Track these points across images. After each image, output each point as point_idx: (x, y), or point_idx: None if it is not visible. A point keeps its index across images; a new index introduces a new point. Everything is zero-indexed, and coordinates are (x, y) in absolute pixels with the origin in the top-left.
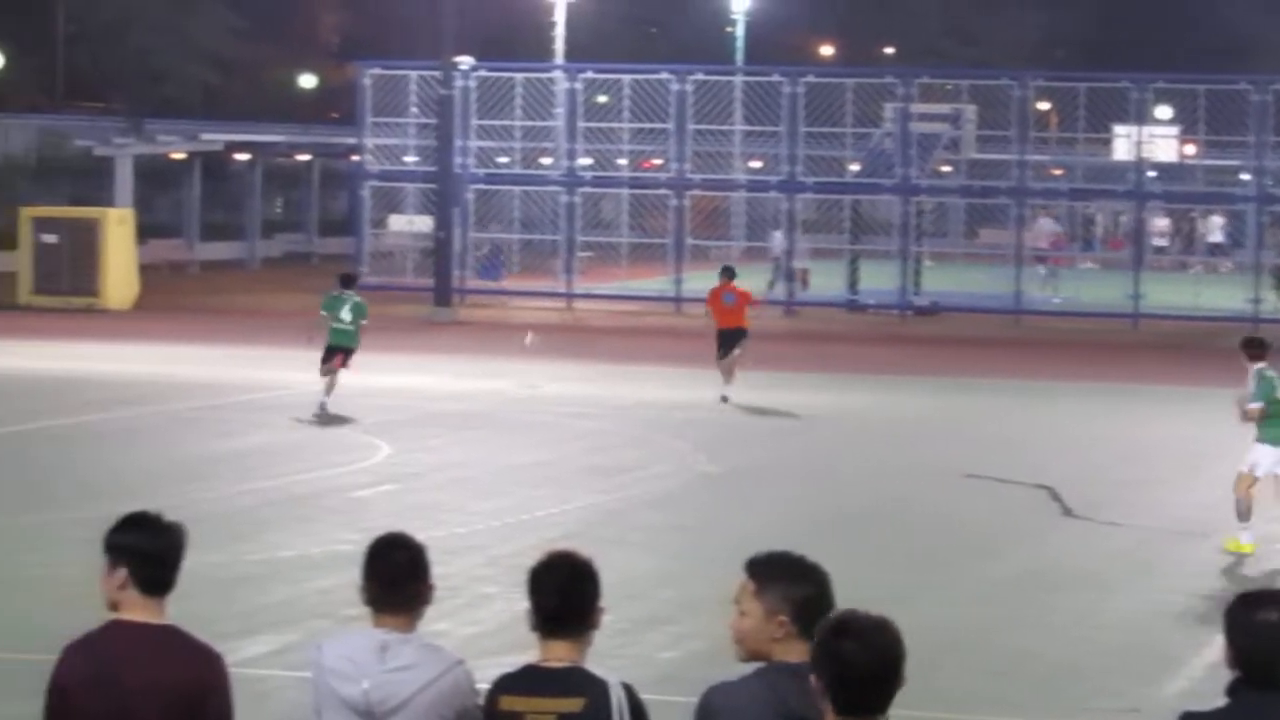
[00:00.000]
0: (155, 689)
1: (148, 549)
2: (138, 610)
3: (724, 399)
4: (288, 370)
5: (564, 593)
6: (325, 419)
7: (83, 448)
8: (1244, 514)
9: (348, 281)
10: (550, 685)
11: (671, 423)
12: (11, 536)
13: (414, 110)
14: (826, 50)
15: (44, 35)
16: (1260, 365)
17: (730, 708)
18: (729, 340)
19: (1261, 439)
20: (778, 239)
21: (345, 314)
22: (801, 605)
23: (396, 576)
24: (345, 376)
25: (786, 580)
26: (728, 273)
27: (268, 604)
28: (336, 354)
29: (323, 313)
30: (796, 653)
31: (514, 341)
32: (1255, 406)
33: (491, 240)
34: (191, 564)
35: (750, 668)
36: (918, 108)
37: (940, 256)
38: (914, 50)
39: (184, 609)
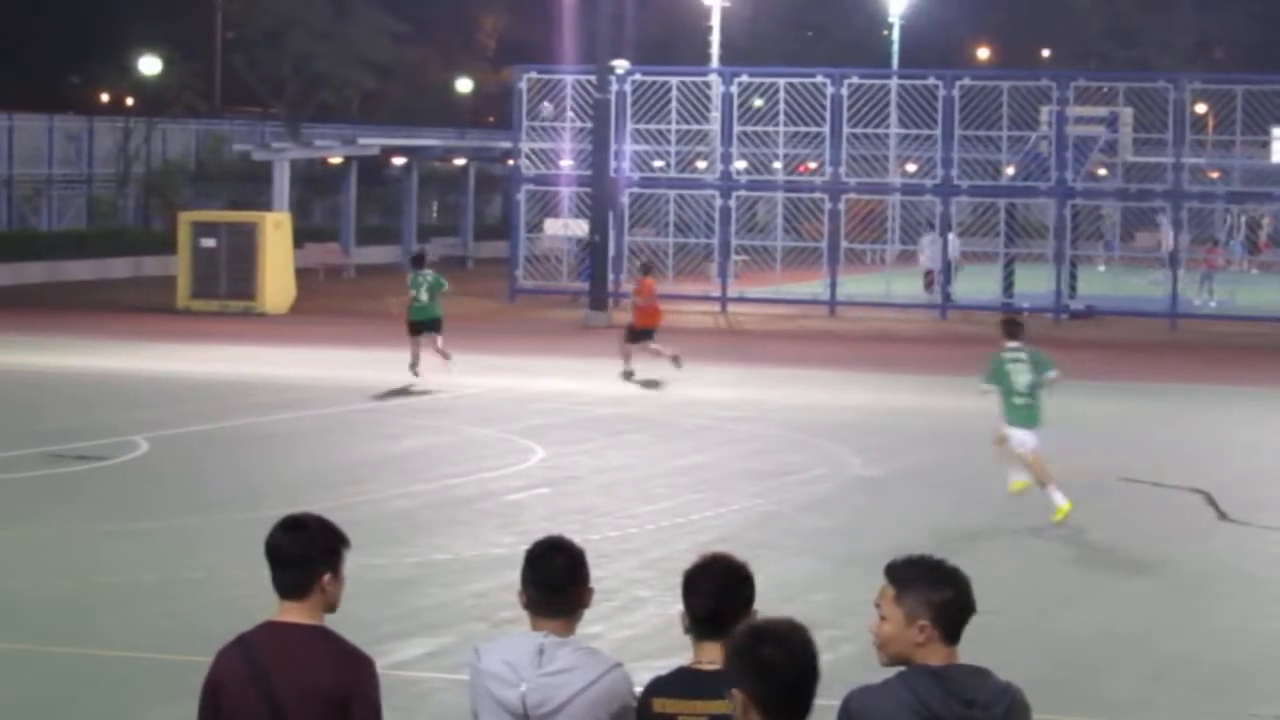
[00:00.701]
0: (304, 690)
1: (281, 553)
2: (289, 612)
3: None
4: (443, 374)
5: (718, 596)
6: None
7: (243, 451)
8: (1045, 480)
9: (418, 261)
10: (703, 687)
11: (827, 426)
12: (174, 539)
13: (570, 114)
14: (983, 53)
15: (204, 41)
16: (1014, 344)
17: (871, 710)
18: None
19: (1012, 423)
20: (943, 242)
21: (422, 294)
22: (941, 609)
23: (556, 580)
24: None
25: (925, 584)
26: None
27: (424, 607)
28: (421, 329)
29: (410, 292)
30: (939, 656)
31: (667, 346)
32: (987, 388)
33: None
34: (349, 567)
35: (894, 671)
36: (1074, 110)
37: (1096, 260)
38: (1071, 53)
39: (341, 611)
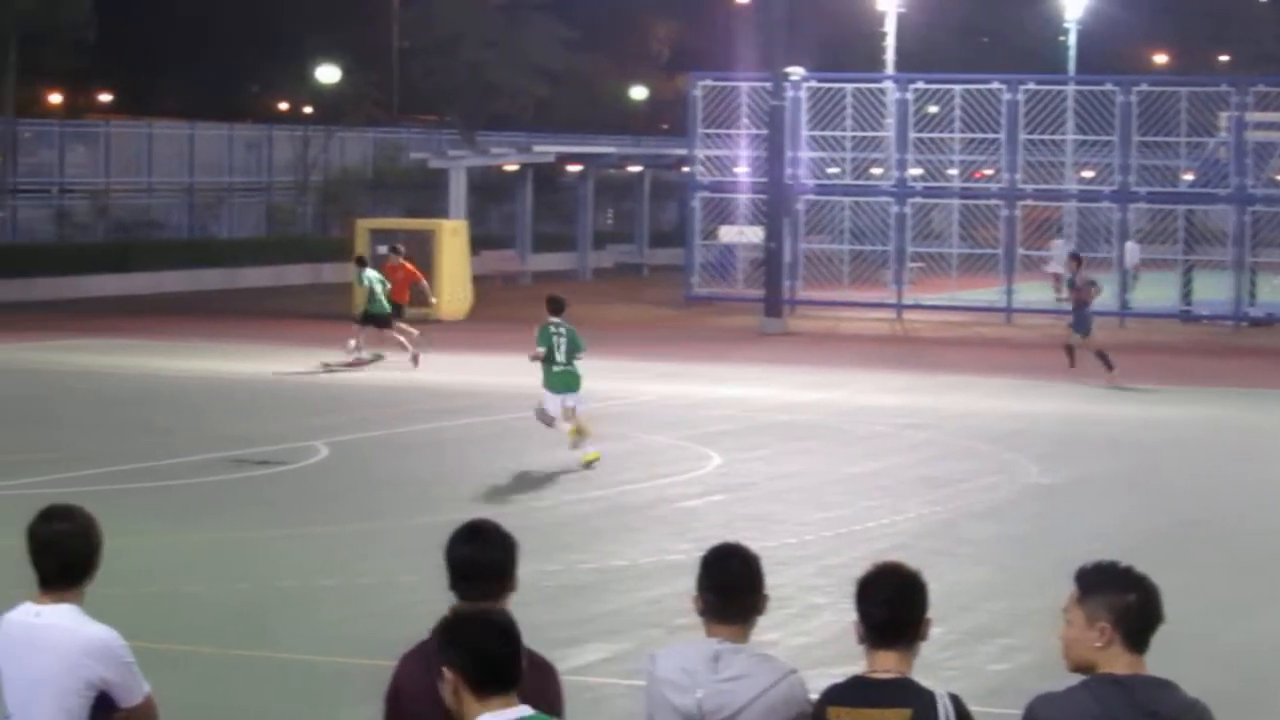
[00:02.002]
0: None
1: (469, 563)
2: None
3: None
4: (619, 380)
5: (892, 605)
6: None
7: (418, 457)
8: (548, 422)
9: (361, 262)
10: (877, 696)
11: (1002, 433)
12: (350, 543)
13: (744, 121)
14: (1160, 58)
15: (380, 50)
16: (555, 320)
17: (1054, 717)
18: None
19: (551, 387)
20: (1131, 249)
21: (377, 290)
22: (1123, 613)
23: (732, 586)
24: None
25: (1109, 588)
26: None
27: (600, 613)
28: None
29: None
30: (1123, 664)
31: (842, 353)
32: (538, 351)
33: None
34: (526, 573)
35: (1079, 679)
36: (1253, 116)
37: (1276, 267)
38: (1249, 57)
39: (518, 617)
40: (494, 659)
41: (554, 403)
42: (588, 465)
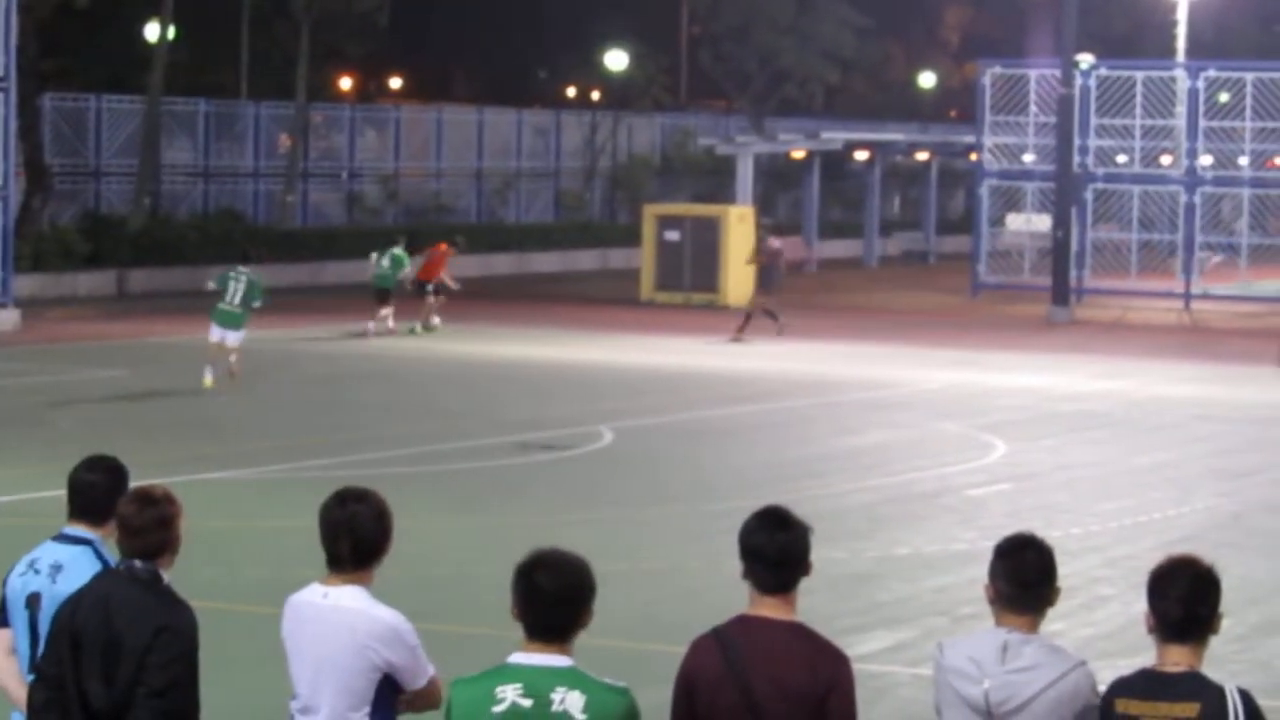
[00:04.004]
0: (781, 686)
1: (769, 550)
2: (765, 607)
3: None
4: (906, 368)
5: (1187, 601)
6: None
7: (702, 443)
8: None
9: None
10: (1167, 690)
11: None
12: (635, 529)
13: (1033, 109)
14: None
15: (669, 36)
16: (245, 268)
17: None
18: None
19: (218, 323)
20: None
21: (235, 295)
22: None
23: (1027, 577)
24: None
25: None
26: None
27: (884, 601)
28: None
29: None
30: None
31: (1130, 343)
32: (212, 287)
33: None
34: (813, 560)
35: None
36: None
37: None
38: None
39: (804, 605)
40: (550, 612)
41: (216, 334)
42: (206, 389)
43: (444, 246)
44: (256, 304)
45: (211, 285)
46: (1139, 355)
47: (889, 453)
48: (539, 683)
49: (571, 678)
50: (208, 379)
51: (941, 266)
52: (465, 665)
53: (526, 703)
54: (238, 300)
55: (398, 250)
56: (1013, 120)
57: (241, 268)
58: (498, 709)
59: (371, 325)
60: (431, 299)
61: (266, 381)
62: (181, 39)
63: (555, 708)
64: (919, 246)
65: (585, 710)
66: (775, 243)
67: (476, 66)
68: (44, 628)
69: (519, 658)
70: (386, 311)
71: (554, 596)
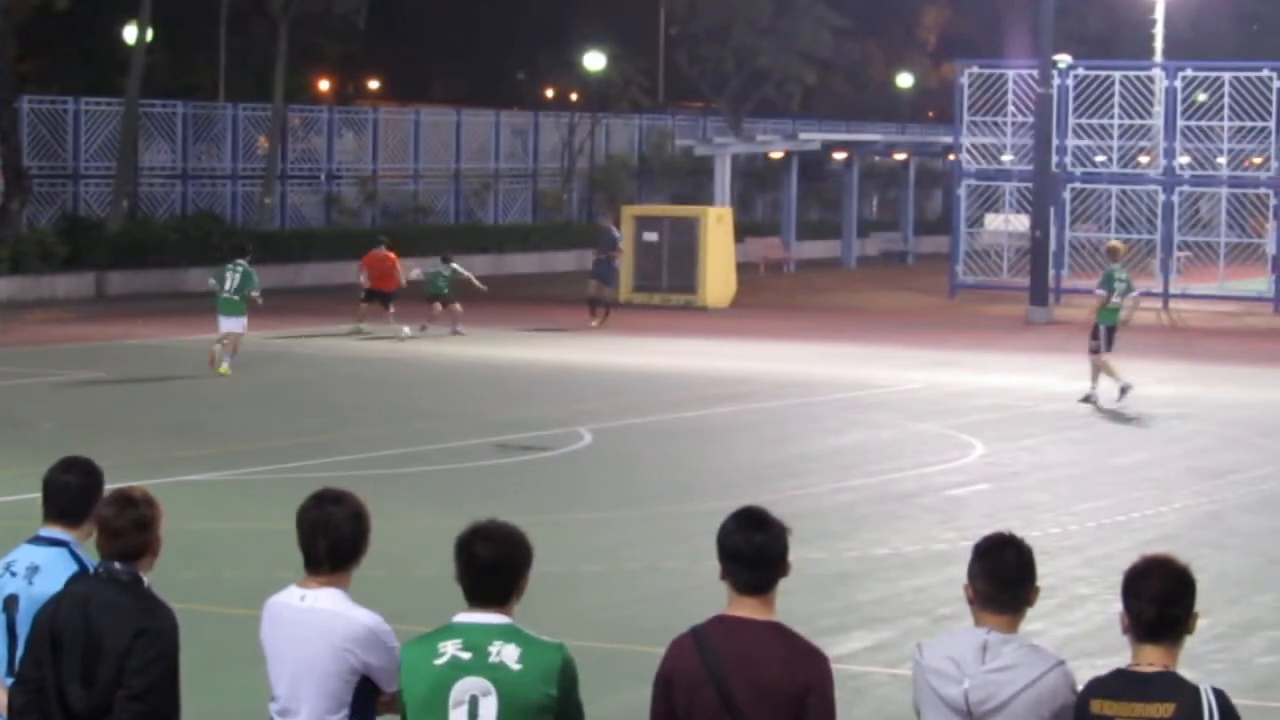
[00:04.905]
0: (759, 686)
1: (747, 551)
2: (743, 607)
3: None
4: (885, 368)
5: (1160, 601)
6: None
7: (681, 444)
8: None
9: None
10: (1142, 690)
11: (1273, 425)
12: (613, 530)
13: (1011, 109)
14: None
15: (647, 38)
16: (242, 260)
17: None
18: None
19: (222, 312)
20: None
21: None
22: None
23: (1006, 576)
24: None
25: None
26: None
27: (863, 601)
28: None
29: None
30: None
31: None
32: (211, 284)
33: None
34: (792, 560)
35: None
36: None
37: None
38: None
39: (783, 605)
40: (488, 578)
41: (224, 325)
42: (220, 374)
43: (385, 251)
44: (253, 293)
45: (211, 282)
46: (1118, 354)
47: (868, 453)
48: (477, 638)
49: (508, 633)
50: (224, 366)
51: (920, 267)
52: None
53: (466, 655)
54: (234, 289)
55: (243, 264)
56: (990, 120)
57: (238, 260)
58: (439, 661)
59: (425, 325)
60: (439, 308)
61: (246, 383)
62: (159, 41)
63: (492, 659)
64: (897, 247)
65: (520, 661)
66: (616, 233)
67: (455, 68)
68: (22, 630)
69: (461, 617)
70: (440, 311)
71: (491, 565)
